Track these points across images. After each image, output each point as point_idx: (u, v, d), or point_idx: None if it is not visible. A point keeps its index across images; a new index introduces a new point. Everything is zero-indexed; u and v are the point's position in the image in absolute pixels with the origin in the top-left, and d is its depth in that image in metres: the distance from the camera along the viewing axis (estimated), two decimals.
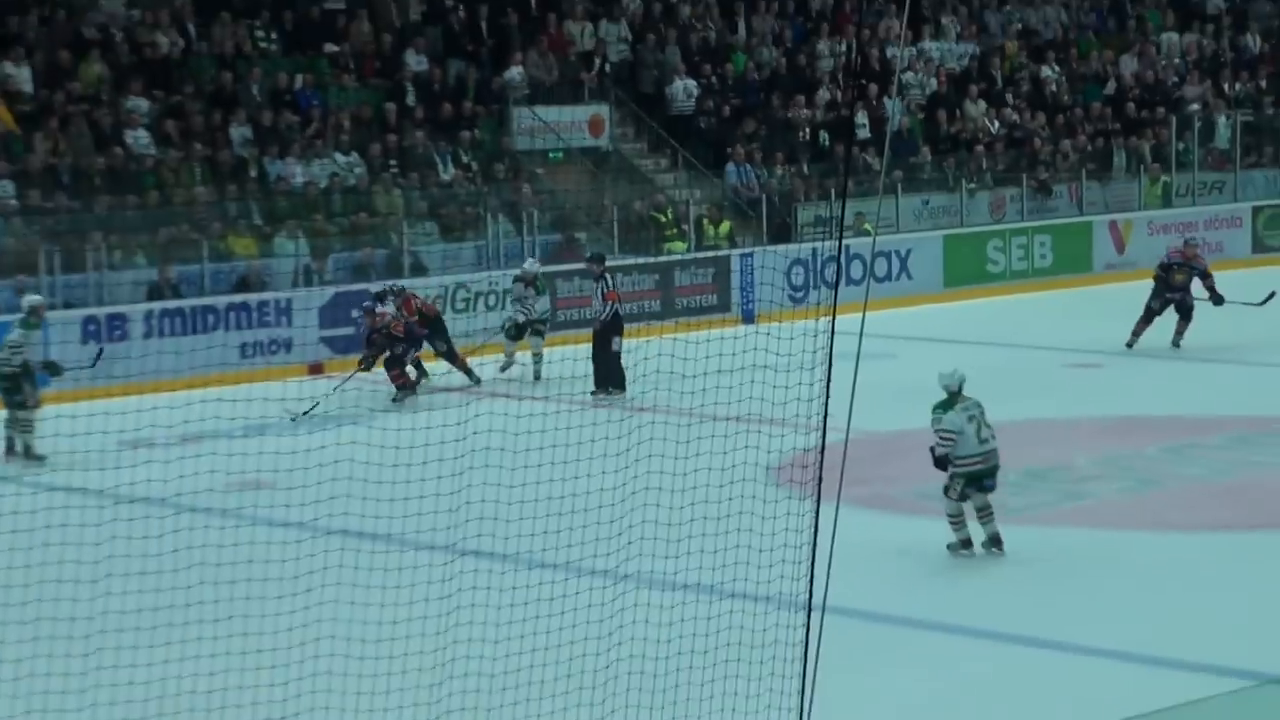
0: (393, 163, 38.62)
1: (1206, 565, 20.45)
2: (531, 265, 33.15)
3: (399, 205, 37.63)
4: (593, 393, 29.57)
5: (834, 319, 8.93)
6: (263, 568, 16.46)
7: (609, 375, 29.84)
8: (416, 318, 30.98)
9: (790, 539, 12.72)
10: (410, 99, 40.09)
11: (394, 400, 29.96)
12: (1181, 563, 20.58)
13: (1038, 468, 24.55)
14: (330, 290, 34.48)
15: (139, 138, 36.46)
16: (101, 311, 32.23)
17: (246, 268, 34.89)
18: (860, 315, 10.57)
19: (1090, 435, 26.89)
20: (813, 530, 8.66)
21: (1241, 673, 16.10)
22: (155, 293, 33.39)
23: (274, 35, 40.28)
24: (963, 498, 20.27)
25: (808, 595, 8.61)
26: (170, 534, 16.83)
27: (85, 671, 15.07)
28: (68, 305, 32.47)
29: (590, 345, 30.16)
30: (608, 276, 30.99)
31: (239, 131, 37.61)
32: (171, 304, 32.89)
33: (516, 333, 31.94)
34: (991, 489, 20.29)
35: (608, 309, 30.09)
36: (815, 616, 8.55)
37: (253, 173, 37.15)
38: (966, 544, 20.40)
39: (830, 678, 10.96)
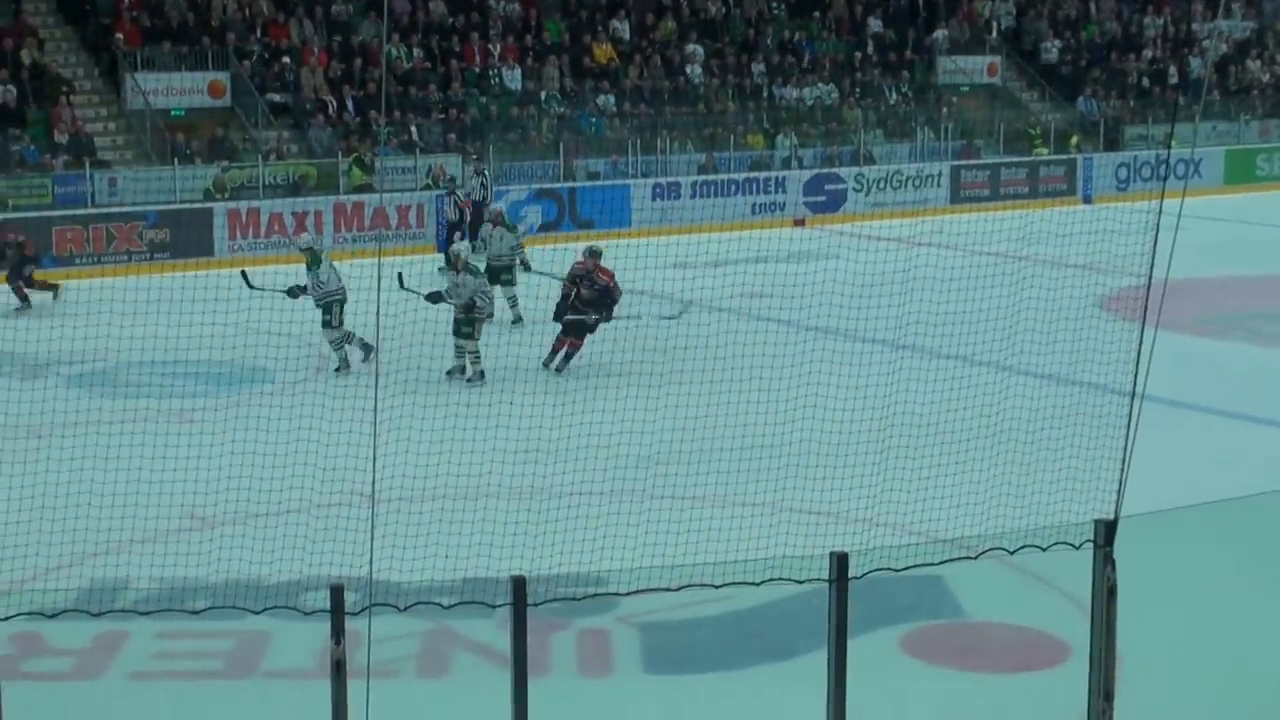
0: (856, 90, 38.20)
1: None
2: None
3: (858, 118, 37.17)
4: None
5: (1161, 202, 8.56)
6: (771, 350, 16.48)
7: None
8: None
9: (1117, 346, 12.36)
10: (870, 49, 39.56)
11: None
12: None
13: None
14: (809, 172, 34.30)
15: (694, 70, 36.55)
16: (664, 180, 32.48)
17: (758, 155, 34.87)
18: (1180, 201, 10.13)
19: None
20: (1138, 341, 8.32)
21: None
22: (700, 169, 33.57)
23: (782, 5, 39.93)
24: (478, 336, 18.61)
25: (1133, 383, 8.28)
26: (708, 325, 16.99)
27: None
28: (644, 175, 32.77)
29: None
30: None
31: (757, 68, 37.49)
32: (710, 177, 33.03)
33: None
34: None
35: None
36: (1136, 401, 8.23)
37: (764, 95, 37.06)
38: (462, 371, 18.69)
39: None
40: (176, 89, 31.36)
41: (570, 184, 31.81)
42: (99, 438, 14.11)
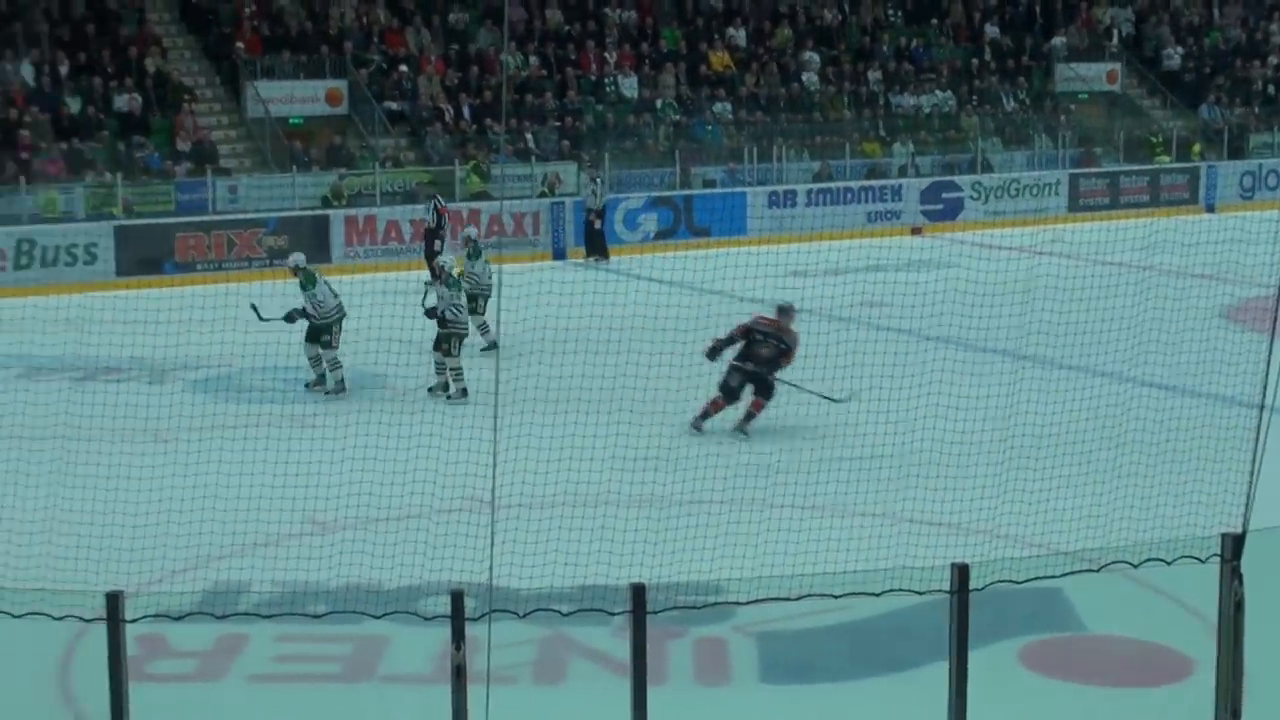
0: (973, 97, 37.95)
1: None
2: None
3: (976, 125, 36.93)
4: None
5: None
6: (890, 359, 16.34)
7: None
8: None
9: (1243, 357, 12.20)
10: (988, 56, 39.28)
11: None
12: None
13: None
14: (926, 180, 34.09)
15: (810, 78, 36.46)
16: (780, 188, 32.42)
17: (874, 163, 34.71)
18: None
19: None
20: (1267, 351, 8.18)
21: None
22: (816, 177, 33.47)
23: (899, 11, 39.78)
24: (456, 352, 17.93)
25: (1261, 394, 8.15)
26: (826, 334, 16.89)
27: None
28: (760, 182, 32.73)
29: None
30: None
31: (874, 75, 37.33)
32: (825, 185, 32.93)
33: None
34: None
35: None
36: (1265, 414, 8.09)
37: (881, 102, 36.90)
38: (445, 388, 18.00)
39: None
40: (295, 97, 31.76)
41: (686, 191, 31.81)
42: (222, 442, 14.32)
